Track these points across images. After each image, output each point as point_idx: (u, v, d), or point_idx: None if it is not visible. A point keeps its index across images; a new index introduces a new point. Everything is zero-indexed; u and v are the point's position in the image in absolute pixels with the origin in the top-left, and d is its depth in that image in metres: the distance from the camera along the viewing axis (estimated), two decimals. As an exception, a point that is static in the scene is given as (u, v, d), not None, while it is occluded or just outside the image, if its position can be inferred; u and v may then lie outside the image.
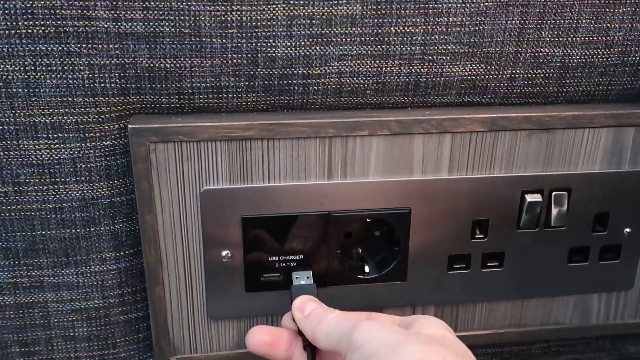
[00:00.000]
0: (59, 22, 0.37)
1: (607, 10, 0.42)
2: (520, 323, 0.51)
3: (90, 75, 0.38)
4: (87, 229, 0.43)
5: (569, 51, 0.43)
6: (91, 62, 0.38)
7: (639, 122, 0.45)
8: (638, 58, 0.44)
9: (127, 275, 0.45)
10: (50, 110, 0.39)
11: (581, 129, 0.45)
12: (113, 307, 0.45)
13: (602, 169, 0.46)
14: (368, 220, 0.45)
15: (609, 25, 0.42)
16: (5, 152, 0.40)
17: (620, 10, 0.42)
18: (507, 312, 0.50)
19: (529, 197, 0.45)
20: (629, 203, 0.47)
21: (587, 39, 0.43)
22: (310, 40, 0.40)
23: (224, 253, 0.44)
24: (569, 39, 0.43)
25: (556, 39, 0.42)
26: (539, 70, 0.43)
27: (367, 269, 0.47)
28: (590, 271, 0.49)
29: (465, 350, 0.34)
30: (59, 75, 0.38)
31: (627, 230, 0.48)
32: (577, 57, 0.43)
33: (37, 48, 0.37)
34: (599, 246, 0.48)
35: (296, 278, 0.44)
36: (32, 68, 0.38)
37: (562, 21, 0.42)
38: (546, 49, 0.43)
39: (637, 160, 0.46)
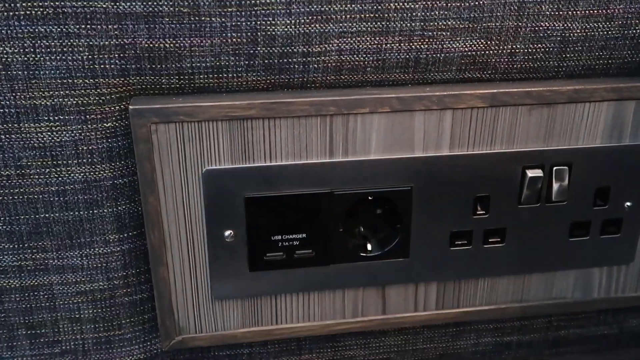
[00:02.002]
0: (57, 3, 0.37)
1: (607, -17, 0.42)
2: (522, 298, 0.51)
3: (89, 57, 0.38)
4: (90, 211, 0.43)
5: (569, 25, 0.43)
6: (90, 43, 0.38)
7: (640, 95, 0.45)
8: (638, 31, 0.44)
9: (131, 257, 0.45)
10: (51, 93, 0.39)
11: (582, 103, 0.45)
12: (118, 289, 0.45)
13: (603, 143, 0.46)
14: (370, 198, 0.45)
15: (609, -2, 0.42)
16: (7, 135, 0.40)
17: (621, -18, 0.42)
18: (509, 287, 0.51)
19: (530, 173, 0.45)
20: (629, 177, 0.47)
21: (587, 12, 0.43)
22: (310, 17, 0.40)
23: (227, 233, 0.44)
24: (569, 12, 0.42)
25: (556, 13, 0.42)
26: (540, 45, 0.43)
27: (369, 246, 0.47)
28: (591, 245, 0.49)
29: None
30: (58, 57, 0.38)
31: (628, 204, 0.48)
32: (578, 30, 0.43)
33: (36, 30, 0.37)
34: (600, 220, 0.49)
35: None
36: (32, 50, 0.38)
37: (562, -5, 0.42)
38: (546, 23, 0.43)
39: (637, 134, 0.46)
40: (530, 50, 0.43)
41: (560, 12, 0.42)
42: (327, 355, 0.52)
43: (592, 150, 0.46)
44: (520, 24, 0.42)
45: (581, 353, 0.58)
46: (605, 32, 0.43)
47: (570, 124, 0.45)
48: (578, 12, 0.42)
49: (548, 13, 0.42)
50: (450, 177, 0.45)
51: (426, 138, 0.44)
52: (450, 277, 0.49)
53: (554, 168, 0.46)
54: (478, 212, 0.47)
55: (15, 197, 0.41)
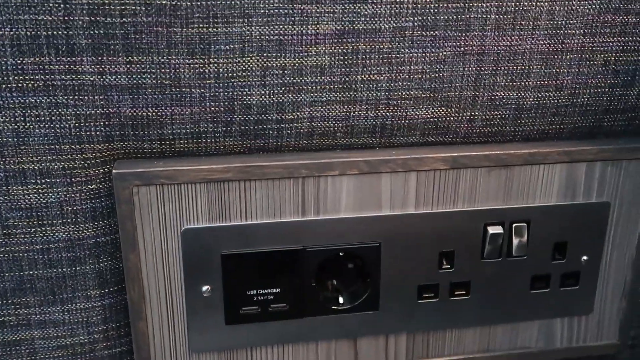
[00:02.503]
0: (47, 77, 0.40)
1: (556, 56, 0.46)
2: (489, 348, 0.53)
3: (76, 124, 0.41)
4: (73, 268, 0.45)
5: (523, 94, 0.46)
6: (77, 112, 0.41)
7: (590, 157, 0.48)
8: (586, 99, 0.48)
9: (112, 311, 0.47)
10: (39, 158, 0.41)
11: (537, 165, 0.48)
12: (98, 343, 0.47)
13: (559, 201, 0.49)
14: (341, 254, 0.47)
15: (558, 70, 0.46)
16: (-5, 197, 0.42)
17: (568, 56, 0.46)
18: (475, 337, 0.53)
19: (491, 229, 0.48)
20: (584, 233, 0.51)
21: (538, 82, 0.46)
22: (283, 88, 0.43)
23: (205, 288, 0.46)
24: (522, 83, 0.46)
25: (510, 84, 0.46)
26: (496, 112, 0.47)
27: (341, 300, 0.49)
28: (551, 297, 0.52)
29: None
30: (47, 125, 0.41)
31: (585, 258, 0.51)
32: (531, 99, 0.47)
33: (27, 100, 0.40)
34: (559, 274, 0.51)
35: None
36: (22, 119, 0.40)
37: (515, 67, 0.46)
38: (502, 93, 0.46)
39: (590, 193, 0.50)
40: (487, 116, 0.47)
41: (514, 83, 0.46)
42: (302, 406, 0.54)
43: (548, 208, 0.49)
44: (477, 93, 0.46)
45: (548, 401, 0.59)
46: (556, 101, 0.47)
47: (527, 184, 0.48)
48: (530, 82, 0.46)
49: (503, 84, 0.46)
50: (417, 234, 0.48)
51: (393, 198, 0.47)
52: (419, 328, 0.51)
53: (514, 225, 0.49)
54: (444, 267, 0.49)
55: (1, 255, 0.43)
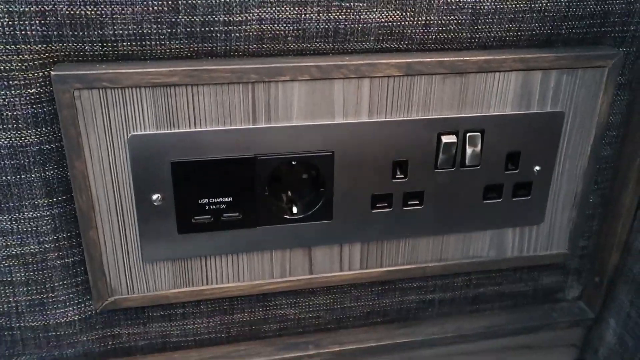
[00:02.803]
0: (-26, -31, 0.37)
1: (515, -42, 0.44)
2: (441, 257, 0.55)
3: (10, 23, 0.39)
4: (18, 176, 0.43)
5: (480, -2, 0.45)
6: (10, 9, 0.38)
7: (546, 65, 0.48)
8: (544, 4, 0.47)
9: (62, 220, 0.46)
10: (-28, 58, 0.39)
11: (492, 73, 0.47)
12: (49, 252, 0.47)
13: (513, 110, 0.49)
14: (293, 162, 0.47)
15: (516, -27, 0.45)
16: None
17: (527, -42, 0.44)
18: (428, 247, 0.54)
19: (445, 138, 0.48)
20: (538, 143, 0.51)
21: (496, -14, 0.45)
22: (230, -13, 0.41)
23: (155, 197, 0.45)
24: (479, -14, 0.45)
25: (467, -13, 0.45)
26: (452, 17, 0.46)
27: (295, 209, 0.49)
28: (504, 207, 0.53)
29: None
30: (-23, 23, 0.38)
31: (537, 168, 0.52)
32: (488, 3, 0.46)
33: (-47, -5, 0.37)
34: (512, 184, 0.52)
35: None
36: (-50, 15, 0.38)
37: (472, -31, 0.44)
38: (458, -4, 0.45)
39: (544, 102, 0.49)
40: (443, 22, 0.46)
41: (471, -14, 0.45)
42: (259, 314, 0.55)
43: (502, 117, 0.49)
44: (433, -4, 0.44)
45: (500, 309, 0.62)
46: (513, 5, 0.46)
47: (482, 93, 0.48)
48: (487, -15, 0.45)
49: (459, -14, 0.45)
50: (370, 143, 0.47)
51: (345, 105, 0.46)
52: (373, 237, 0.52)
53: (467, 134, 0.49)
54: (397, 176, 0.49)
55: (-60, 162, 0.42)
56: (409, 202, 0.51)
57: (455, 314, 0.60)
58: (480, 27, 0.47)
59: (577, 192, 0.54)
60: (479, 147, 0.49)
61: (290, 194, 0.49)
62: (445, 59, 0.46)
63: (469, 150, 0.49)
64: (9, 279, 0.47)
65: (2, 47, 0.39)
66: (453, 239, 0.54)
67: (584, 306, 0.63)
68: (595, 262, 0.61)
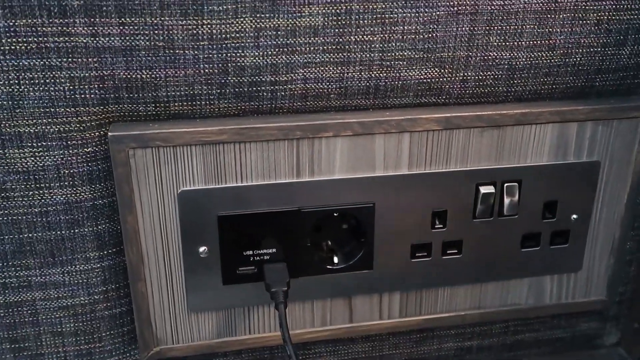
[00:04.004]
0: (40, 39, 0.39)
1: (549, 15, 0.46)
2: (480, 305, 0.55)
3: (71, 87, 0.41)
4: (72, 231, 0.45)
5: (516, 54, 0.47)
6: (72, 75, 0.41)
7: (581, 117, 0.49)
8: (578, 59, 0.48)
9: (111, 272, 0.47)
10: (34, 121, 0.42)
11: (529, 125, 0.49)
12: (98, 303, 0.48)
13: (550, 161, 0.50)
14: (335, 214, 0.48)
15: (551, 29, 0.46)
16: (-8, 161, 0.42)
17: (561, 15, 0.46)
18: (467, 295, 0.54)
19: (483, 189, 0.49)
20: (575, 192, 0.51)
21: (531, 42, 0.47)
22: (277, 49, 0.43)
23: (202, 249, 0.47)
24: (515, 43, 0.46)
25: (503, 43, 0.46)
26: (489, 72, 0.47)
27: (336, 259, 0.50)
28: (542, 255, 0.53)
29: None
30: (41, 88, 0.41)
31: (574, 216, 0.52)
32: (523, 59, 0.47)
33: (20, 63, 0.40)
34: (549, 232, 0.52)
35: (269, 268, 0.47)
36: (16, 82, 0.40)
37: (508, 27, 0.46)
38: (494, 53, 0.46)
39: (581, 152, 0.50)
40: (480, 77, 0.47)
41: (507, 43, 0.46)
42: (299, 363, 0.55)
43: (539, 168, 0.50)
44: (470, 53, 0.46)
45: (537, 355, 0.61)
46: (548, 60, 0.48)
47: (518, 144, 0.49)
48: (523, 42, 0.46)
49: (496, 44, 0.46)
50: (410, 194, 0.48)
51: (386, 158, 0.47)
52: (412, 286, 0.52)
53: (505, 184, 0.50)
54: (436, 226, 0.50)
55: (0, 219, 0.44)
56: (448, 251, 0.51)
57: (493, 361, 0.60)
58: (516, 81, 0.48)
59: (614, 239, 0.55)
60: (516, 197, 0.50)
61: (331, 244, 0.50)
62: (483, 113, 0.47)
63: (506, 200, 0.50)
64: (59, 330, 0.48)
65: (62, 109, 0.42)
66: (491, 287, 0.54)
67: (623, 352, 0.63)
68: (634, 308, 0.61)
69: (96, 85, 0.41)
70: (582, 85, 0.49)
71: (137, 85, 0.42)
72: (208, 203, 0.45)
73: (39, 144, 0.42)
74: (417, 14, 0.44)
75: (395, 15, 0.44)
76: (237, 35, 0.42)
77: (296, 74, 0.44)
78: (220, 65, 0.43)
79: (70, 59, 0.40)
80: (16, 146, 0.42)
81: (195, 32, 0.41)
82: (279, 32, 0.42)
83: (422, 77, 0.46)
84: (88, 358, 0.50)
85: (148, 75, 0.42)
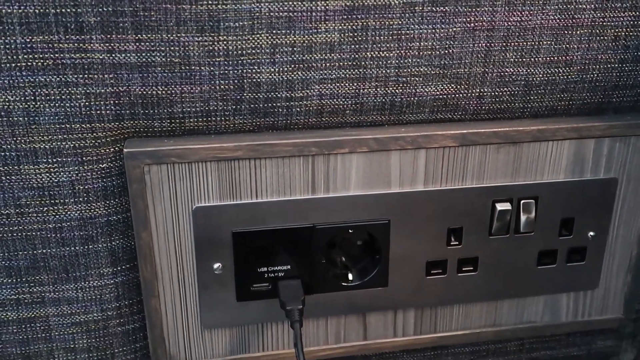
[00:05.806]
0: (56, 55, 0.39)
1: (566, 32, 0.45)
2: (495, 323, 0.54)
3: (86, 103, 0.41)
4: (86, 247, 0.45)
5: (532, 70, 0.46)
6: (87, 91, 0.41)
7: (598, 134, 0.48)
8: (595, 75, 0.47)
9: (124, 288, 0.47)
10: (50, 137, 0.41)
11: (545, 142, 0.48)
12: (111, 320, 0.48)
13: (566, 177, 0.50)
14: (350, 231, 0.48)
15: (567, 45, 0.46)
16: (7, 177, 0.42)
17: (578, 32, 0.46)
18: (482, 312, 0.54)
19: (499, 206, 0.49)
20: (592, 209, 0.51)
21: (548, 58, 0.46)
22: (292, 66, 0.43)
23: (216, 266, 0.46)
24: (532, 59, 0.46)
25: (520, 60, 0.46)
26: (505, 89, 0.47)
27: (350, 276, 0.50)
28: (558, 272, 0.53)
29: None
30: (57, 104, 0.41)
31: (591, 233, 0.52)
32: (540, 75, 0.47)
33: (37, 79, 0.40)
34: (566, 249, 0.52)
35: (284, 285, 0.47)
36: (32, 98, 0.40)
37: (524, 43, 0.45)
38: (511, 69, 0.46)
39: (597, 169, 0.50)
40: (496, 93, 0.47)
41: (524, 59, 0.46)
42: (312, 380, 0.55)
43: (556, 185, 0.49)
44: (487, 69, 0.46)
45: (553, 373, 0.61)
46: (565, 77, 0.47)
47: (535, 161, 0.49)
48: (540, 58, 0.46)
49: (512, 60, 0.46)
50: (425, 211, 0.48)
51: (402, 175, 0.47)
52: (427, 303, 0.52)
53: (522, 201, 0.49)
54: (452, 243, 0.50)
55: (14, 234, 0.44)
56: (464, 268, 0.51)
57: (508, 379, 0.60)
58: (532, 97, 0.48)
59: (631, 257, 0.54)
60: (533, 214, 0.50)
61: (346, 260, 0.50)
62: (500, 129, 0.47)
63: (523, 217, 0.49)
64: (72, 346, 0.48)
65: (78, 125, 0.42)
66: (507, 304, 0.54)
67: (639, 371, 0.62)
68: (651, 326, 0.60)
69: (112, 101, 0.41)
70: (599, 101, 0.49)
71: (153, 101, 0.42)
72: (223, 219, 0.45)
73: (54, 160, 0.42)
74: (433, 30, 0.44)
75: (412, 32, 0.43)
76: (253, 51, 0.42)
77: (312, 90, 0.44)
78: (236, 81, 0.42)
79: (86, 75, 0.40)
80: (31, 162, 0.42)
81: (211, 48, 0.41)
82: (295, 48, 0.42)
83: (438, 93, 0.46)
84: (100, 374, 0.49)
85: (164, 92, 0.42)
